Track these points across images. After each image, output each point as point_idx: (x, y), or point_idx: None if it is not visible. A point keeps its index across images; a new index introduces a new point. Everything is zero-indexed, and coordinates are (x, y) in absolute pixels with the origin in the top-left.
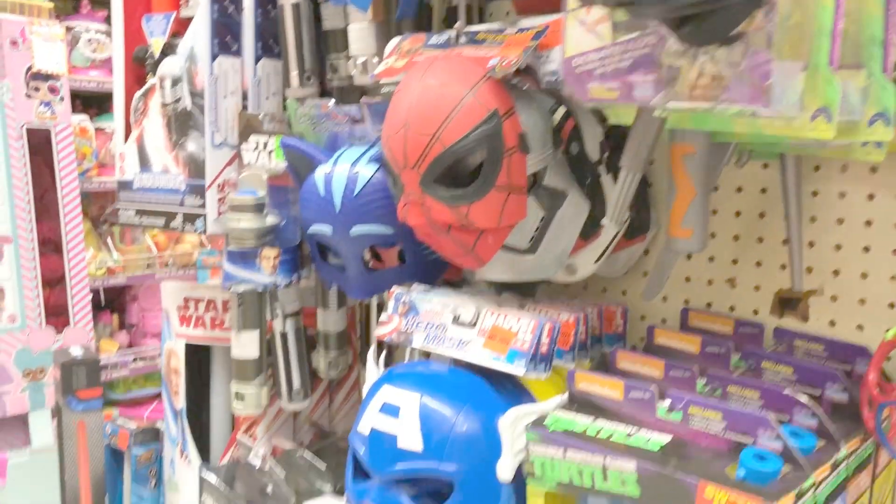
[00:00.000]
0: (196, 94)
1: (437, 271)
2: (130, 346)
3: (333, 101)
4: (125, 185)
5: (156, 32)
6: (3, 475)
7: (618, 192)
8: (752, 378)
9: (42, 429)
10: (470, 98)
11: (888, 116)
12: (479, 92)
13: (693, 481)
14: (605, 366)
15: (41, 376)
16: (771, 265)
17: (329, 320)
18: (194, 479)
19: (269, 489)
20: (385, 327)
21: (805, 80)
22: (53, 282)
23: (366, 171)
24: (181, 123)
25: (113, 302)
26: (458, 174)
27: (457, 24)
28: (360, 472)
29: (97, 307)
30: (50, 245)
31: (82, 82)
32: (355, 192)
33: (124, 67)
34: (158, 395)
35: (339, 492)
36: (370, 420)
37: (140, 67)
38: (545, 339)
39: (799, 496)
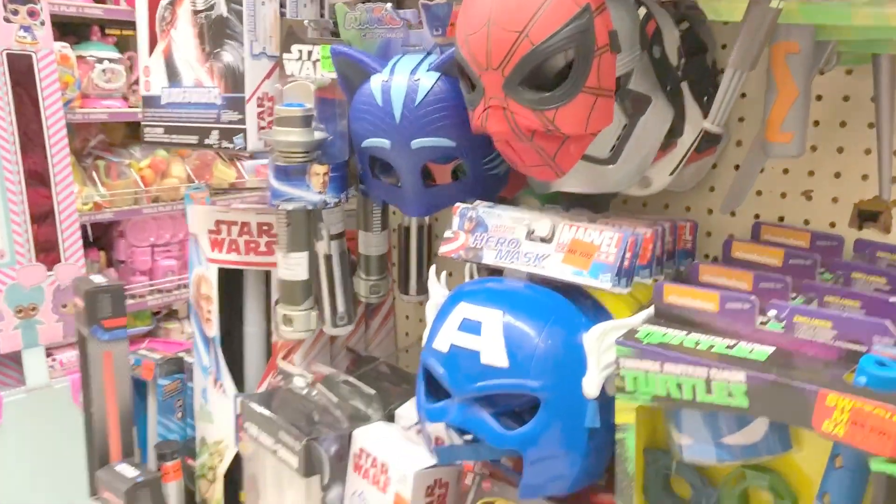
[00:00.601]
0: (233, 3)
1: (495, 187)
2: None
3: (390, 4)
4: (151, 101)
5: None
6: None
7: (722, 93)
8: (848, 288)
9: (36, 367)
10: None
11: None
12: None
13: (812, 389)
14: (680, 281)
15: (33, 314)
16: (851, 176)
17: (371, 243)
18: (229, 408)
19: (315, 416)
20: (451, 244)
21: None
22: (41, 217)
23: (427, 80)
24: (216, 32)
25: (99, 239)
26: (543, 76)
27: None
28: (433, 392)
29: (84, 244)
30: (36, 178)
31: (60, 6)
32: (416, 102)
33: None
34: (149, 334)
35: (389, 417)
36: (448, 337)
37: None
38: (628, 254)
39: None
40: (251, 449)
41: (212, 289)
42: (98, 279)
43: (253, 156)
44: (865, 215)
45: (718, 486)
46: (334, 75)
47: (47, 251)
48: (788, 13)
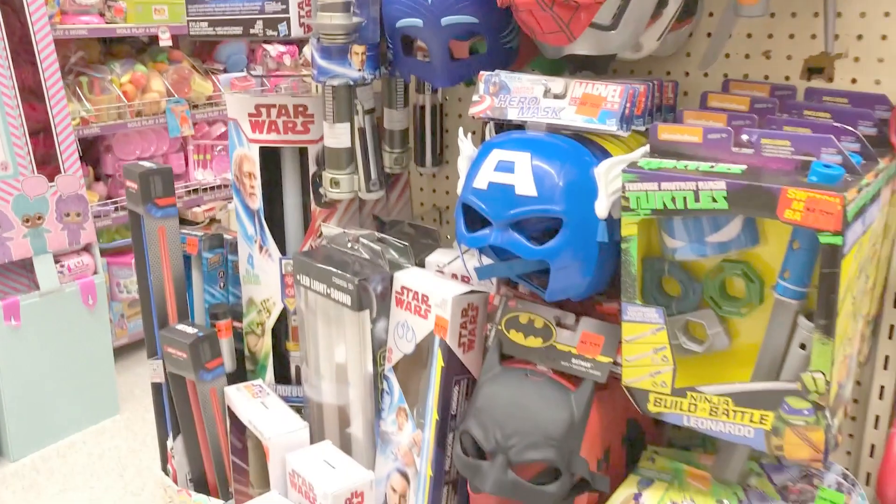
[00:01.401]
0: None
1: (508, 60)
2: (109, 196)
3: None
4: None
5: None
6: (18, 317)
7: None
8: (801, 121)
9: (47, 273)
10: None
11: None
12: None
13: (777, 187)
14: None
15: (40, 223)
16: (802, 36)
17: (395, 118)
18: (275, 269)
19: (357, 266)
20: (478, 106)
21: None
22: (38, 130)
23: None
24: None
25: (85, 154)
26: None
27: None
28: (471, 226)
29: None
30: (30, 93)
31: None
32: None
33: None
34: None
35: (419, 265)
36: (486, 176)
37: None
38: (628, 103)
39: (857, 191)
40: (300, 301)
41: (254, 166)
42: (147, 164)
43: (226, 69)
44: (813, 69)
45: (702, 280)
46: None
47: (46, 163)
48: None
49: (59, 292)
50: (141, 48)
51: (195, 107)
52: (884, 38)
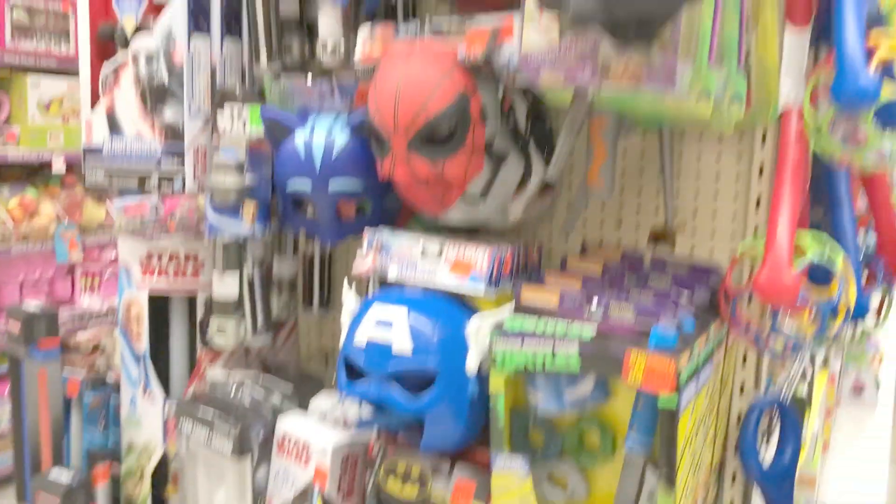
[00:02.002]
0: (173, 71)
1: (391, 219)
2: None
3: (310, 76)
4: (93, 151)
5: (127, 10)
6: None
7: (559, 150)
8: (645, 287)
9: None
10: (446, 81)
11: (741, 98)
12: (452, 76)
13: (620, 352)
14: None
15: None
16: (647, 210)
17: (284, 267)
18: (157, 412)
19: (240, 411)
20: (363, 263)
21: (692, 72)
22: None
23: (340, 138)
24: (157, 95)
25: None
26: (435, 138)
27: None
28: (351, 377)
29: None
30: None
31: None
32: (333, 157)
33: (90, 41)
34: None
35: (303, 406)
36: (366, 333)
37: (104, 42)
38: (495, 266)
39: (690, 356)
40: (182, 446)
41: (142, 310)
42: (31, 306)
43: (121, 194)
44: (658, 237)
45: (563, 432)
46: (261, 131)
47: None
48: (598, 102)
49: None
50: (32, 171)
51: (86, 231)
52: (714, 215)
